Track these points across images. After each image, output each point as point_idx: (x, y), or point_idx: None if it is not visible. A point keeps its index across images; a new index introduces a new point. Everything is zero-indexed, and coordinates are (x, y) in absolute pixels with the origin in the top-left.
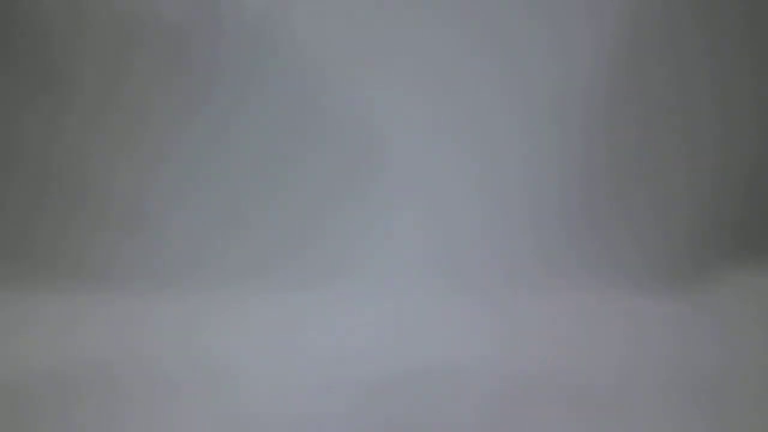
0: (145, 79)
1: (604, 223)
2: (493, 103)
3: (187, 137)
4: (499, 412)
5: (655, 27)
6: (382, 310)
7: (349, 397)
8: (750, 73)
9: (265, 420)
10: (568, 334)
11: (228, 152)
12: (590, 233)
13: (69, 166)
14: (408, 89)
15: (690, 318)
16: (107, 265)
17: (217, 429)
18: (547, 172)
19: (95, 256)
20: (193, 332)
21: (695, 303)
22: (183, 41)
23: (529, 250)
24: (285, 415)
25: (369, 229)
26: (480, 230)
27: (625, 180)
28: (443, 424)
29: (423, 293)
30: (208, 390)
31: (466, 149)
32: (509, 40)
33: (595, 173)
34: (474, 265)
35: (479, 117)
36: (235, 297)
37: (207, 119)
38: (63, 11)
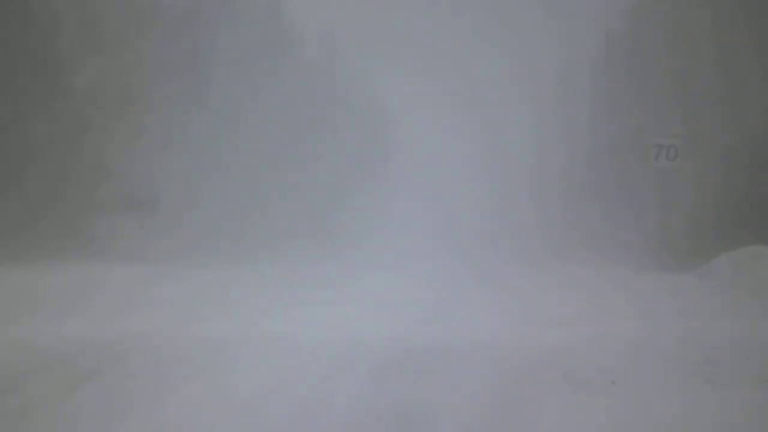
0: (154, 69)
1: (607, 204)
2: (500, 89)
3: (196, 125)
4: (509, 390)
5: (656, 16)
6: (388, 289)
7: (355, 376)
8: (754, 60)
9: (270, 397)
10: (574, 312)
11: (239, 138)
12: (594, 214)
13: (82, 156)
14: (418, 74)
15: (694, 294)
16: (116, 246)
17: (221, 407)
18: (552, 155)
19: (106, 237)
20: (199, 311)
21: (697, 280)
22: (191, 32)
23: (535, 230)
24: (290, 394)
25: (377, 211)
26: (487, 211)
27: (628, 162)
28: (448, 403)
29: (430, 272)
30: (213, 369)
31: (473, 132)
32: (515, 25)
33: (600, 156)
34: (480, 245)
35: (486, 101)
36: (242, 277)
37: (214, 109)
38: (71, 6)
